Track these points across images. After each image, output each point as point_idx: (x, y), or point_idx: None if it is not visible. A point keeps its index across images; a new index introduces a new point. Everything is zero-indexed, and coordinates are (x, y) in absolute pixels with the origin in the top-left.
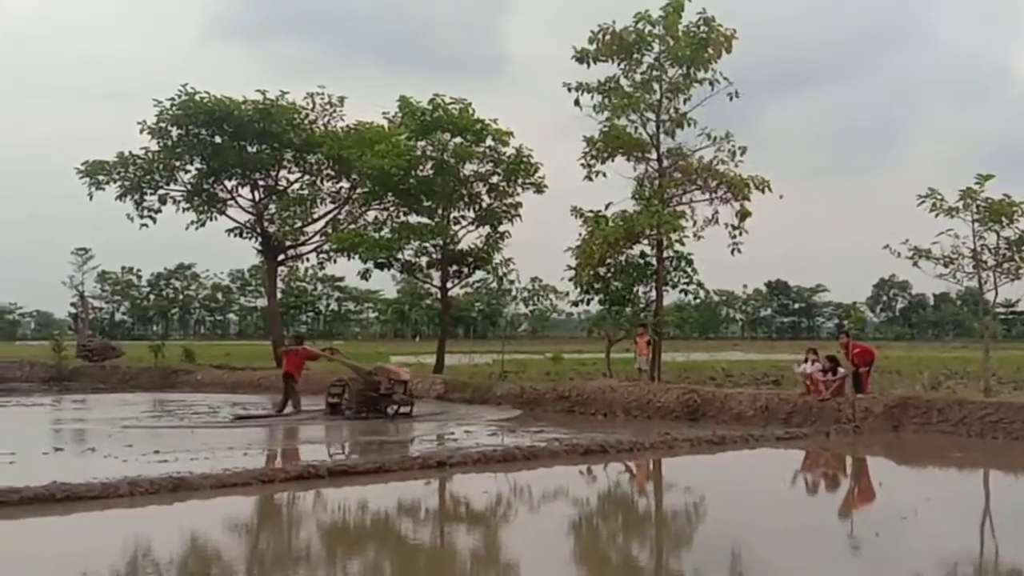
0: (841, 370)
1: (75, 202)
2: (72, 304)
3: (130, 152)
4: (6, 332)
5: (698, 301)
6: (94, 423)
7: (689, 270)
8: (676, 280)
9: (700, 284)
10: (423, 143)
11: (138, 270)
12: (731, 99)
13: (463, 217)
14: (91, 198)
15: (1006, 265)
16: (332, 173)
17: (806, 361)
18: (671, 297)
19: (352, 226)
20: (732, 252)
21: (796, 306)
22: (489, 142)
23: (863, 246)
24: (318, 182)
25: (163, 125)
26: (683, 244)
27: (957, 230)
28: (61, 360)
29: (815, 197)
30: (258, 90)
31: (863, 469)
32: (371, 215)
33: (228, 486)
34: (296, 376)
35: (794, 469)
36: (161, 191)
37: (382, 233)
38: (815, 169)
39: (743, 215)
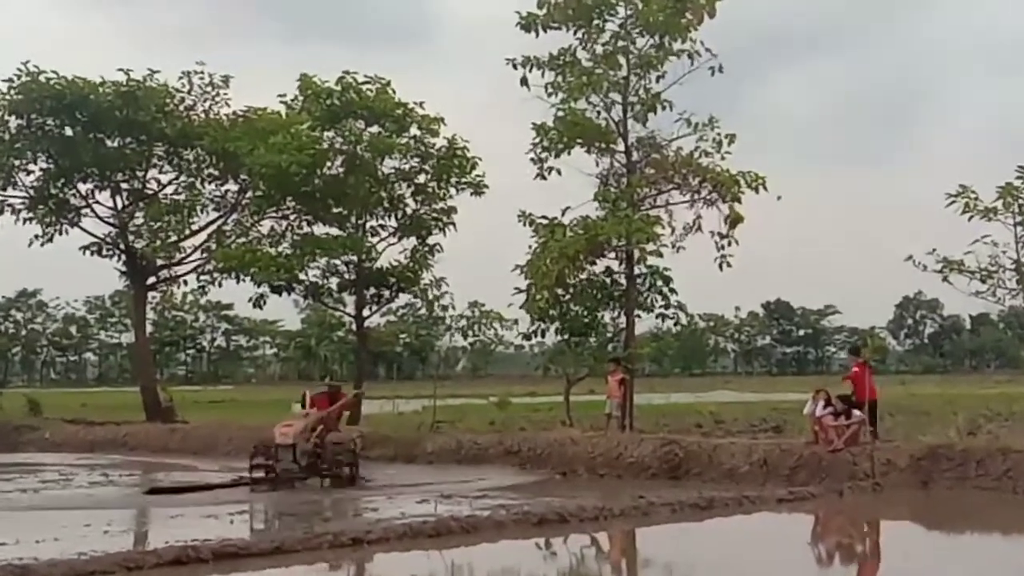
0: (856, 413)
1: None
2: None
3: None
4: None
5: (679, 328)
6: None
7: (667, 290)
8: (651, 303)
9: (681, 307)
10: (331, 134)
11: None
12: (713, 74)
13: (383, 227)
14: None
15: None
16: (215, 173)
17: (814, 403)
18: (645, 324)
19: (242, 240)
20: (720, 266)
21: (801, 333)
22: (414, 132)
23: (882, 256)
24: (198, 184)
25: None
26: (659, 256)
27: (996, 236)
28: None
29: (822, 196)
30: (120, 69)
31: (885, 537)
32: (266, 225)
33: (83, 574)
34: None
35: (801, 539)
36: None
37: (280, 248)
38: (820, 160)
39: (733, 220)
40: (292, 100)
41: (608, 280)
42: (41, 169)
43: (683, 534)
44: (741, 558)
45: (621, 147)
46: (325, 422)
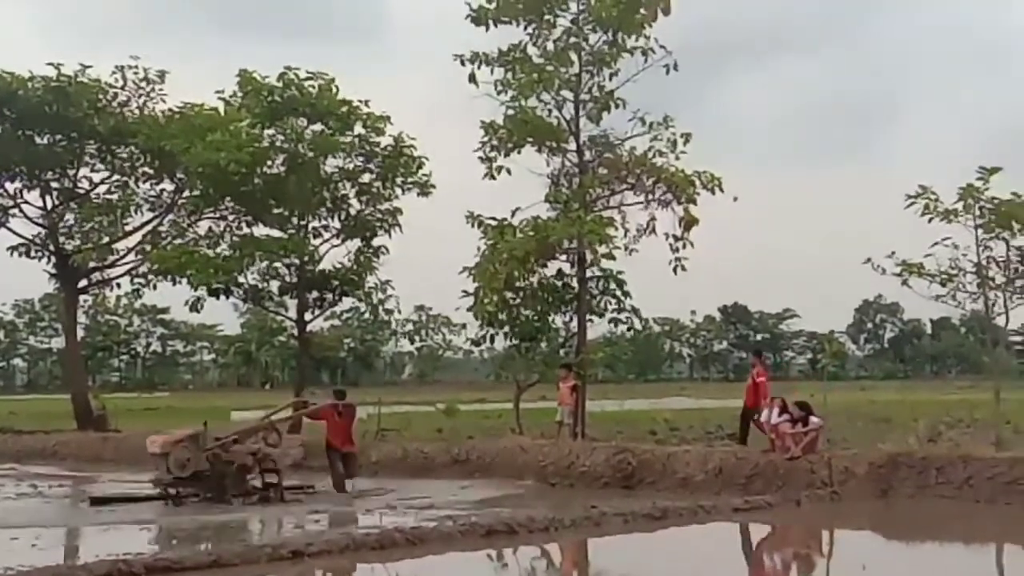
0: (815, 420)
1: None
2: None
3: None
4: None
5: (633, 333)
6: None
7: (620, 293)
8: (604, 306)
9: (635, 311)
10: (271, 131)
11: None
12: (668, 72)
13: (325, 228)
14: None
15: (1019, 283)
16: (150, 171)
17: (771, 410)
18: (598, 328)
19: (178, 241)
20: (675, 269)
21: (758, 337)
22: (359, 130)
23: (841, 259)
24: (132, 183)
25: None
26: (612, 259)
27: (957, 238)
28: None
29: (781, 198)
30: (50, 63)
31: (843, 547)
32: (203, 226)
33: None
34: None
35: (757, 550)
36: None
37: (219, 250)
38: (781, 161)
39: (688, 222)
40: (231, 96)
41: (559, 283)
42: None
43: (636, 545)
44: (696, 569)
45: (573, 146)
46: (269, 430)
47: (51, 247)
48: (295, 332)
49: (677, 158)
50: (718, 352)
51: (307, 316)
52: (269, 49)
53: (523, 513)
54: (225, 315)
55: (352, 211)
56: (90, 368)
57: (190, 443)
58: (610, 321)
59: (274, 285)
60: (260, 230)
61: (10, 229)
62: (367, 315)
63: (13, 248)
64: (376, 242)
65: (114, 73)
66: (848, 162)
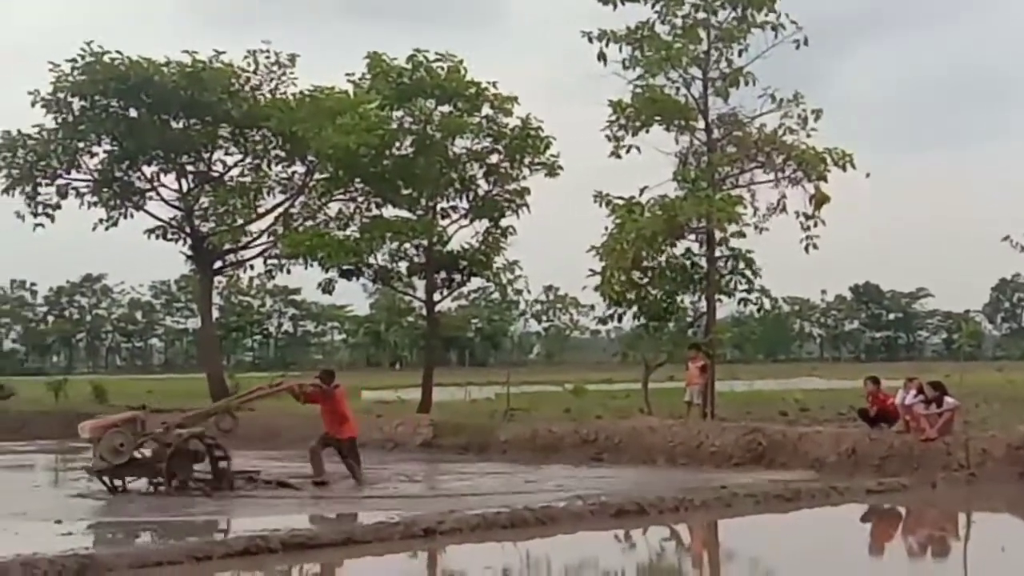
0: (950, 401)
1: None
2: None
3: (19, 131)
4: None
5: (762, 313)
6: None
7: (749, 272)
8: (733, 286)
9: (764, 291)
10: (400, 113)
11: (32, 284)
12: (798, 47)
13: (454, 208)
14: None
15: None
16: (282, 154)
17: (906, 391)
18: (727, 308)
19: (309, 223)
20: (806, 248)
21: (891, 317)
22: (486, 111)
23: (978, 237)
24: (264, 166)
25: (62, 95)
26: (742, 238)
27: None
28: None
29: (913, 174)
30: (186, 50)
31: (979, 530)
32: (334, 208)
33: (151, 565)
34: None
35: (891, 532)
36: (60, 181)
37: (348, 232)
38: (913, 138)
39: (819, 200)
40: (360, 79)
41: (688, 263)
42: (105, 152)
43: (767, 526)
44: (828, 551)
45: (701, 124)
46: (222, 415)
47: (187, 229)
48: (423, 312)
49: (808, 135)
50: (849, 332)
51: (436, 296)
52: (392, 34)
53: (653, 493)
54: (355, 296)
55: (480, 192)
56: (224, 348)
57: (125, 428)
58: (739, 301)
59: (403, 266)
60: (389, 211)
61: (147, 212)
62: (495, 295)
63: (150, 231)
64: (504, 222)
65: (246, 58)
66: (987, 140)
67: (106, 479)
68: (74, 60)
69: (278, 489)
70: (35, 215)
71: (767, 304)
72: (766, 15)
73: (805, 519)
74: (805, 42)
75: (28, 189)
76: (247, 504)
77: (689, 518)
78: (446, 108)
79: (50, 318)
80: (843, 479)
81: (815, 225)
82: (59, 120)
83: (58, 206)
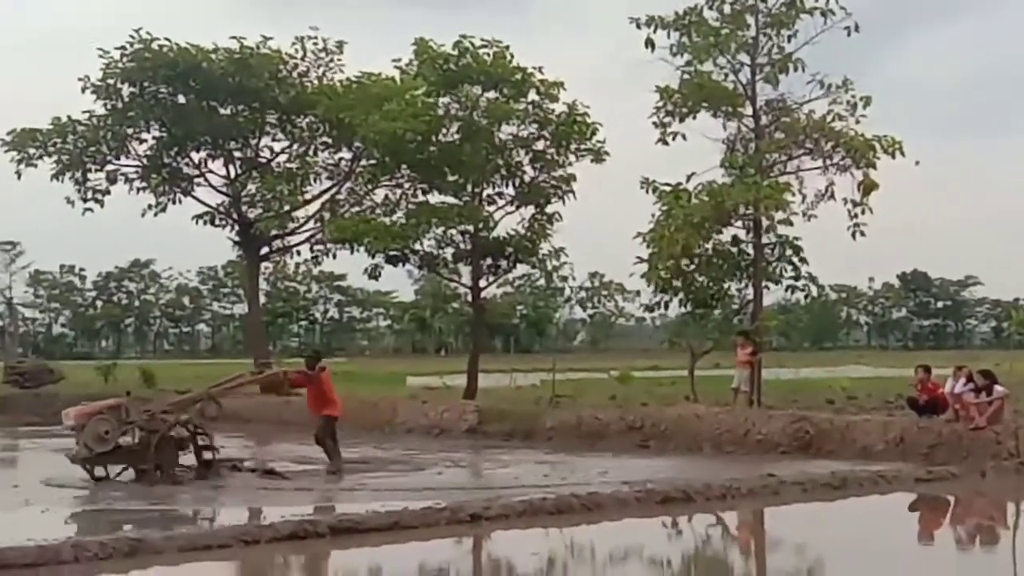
0: (999, 389)
1: None
2: None
3: (69, 117)
4: None
5: (809, 300)
6: (28, 467)
7: (797, 260)
8: (780, 273)
9: (812, 278)
10: (446, 99)
11: (81, 269)
12: (849, 34)
13: (500, 195)
14: (19, 177)
15: None
16: (329, 140)
17: (955, 379)
18: (774, 295)
19: (355, 209)
20: (853, 235)
21: (939, 305)
22: (532, 97)
23: None
24: (311, 152)
25: (111, 82)
26: (789, 225)
27: None
28: None
29: (963, 161)
30: (233, 36)
31: None
32: (380, 194)
33: (200, 548)
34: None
35: (940, 521)
36: (110, 166)
37: (394, 218)
38: (963, 125)
39: (867, 187)
40: (407, 65)
41: (735, 249)
42: (154, 138)
43: (814, 514)
44: (876, 539)
45: (749, 110)
46: (207, 402)
47: (234, 215)
48: (469, 299)
49: (857, 122)
50: (896, 320)
51: (481, 283)
52: (437, 17)
53: (699, 480)
54: (400, 282)
55: (526, 178)
56: (271, 333)
57: (109, 414)
58: (786, 288)
59: (449, 252)
60: (435, 198)
61: (195, 198)
62: (540, 282)
63: (198, 216)
64: (550, 209)
65: (294, 44)
66: None
67: (89, 467)
68: (123, 47)
69: (264, 477)
70: (84, 200)
71: (814, 291)
72: (815, 1)
73: (853, 507)
74: (856, 28)
75: (78, 175)
76: (238, 493)
77: (736, 506)
78: (492, 94)
79: (99, 303)
80: (891, 467)
81: (863, 212)
82: (108, 106)
83: (107, 192)
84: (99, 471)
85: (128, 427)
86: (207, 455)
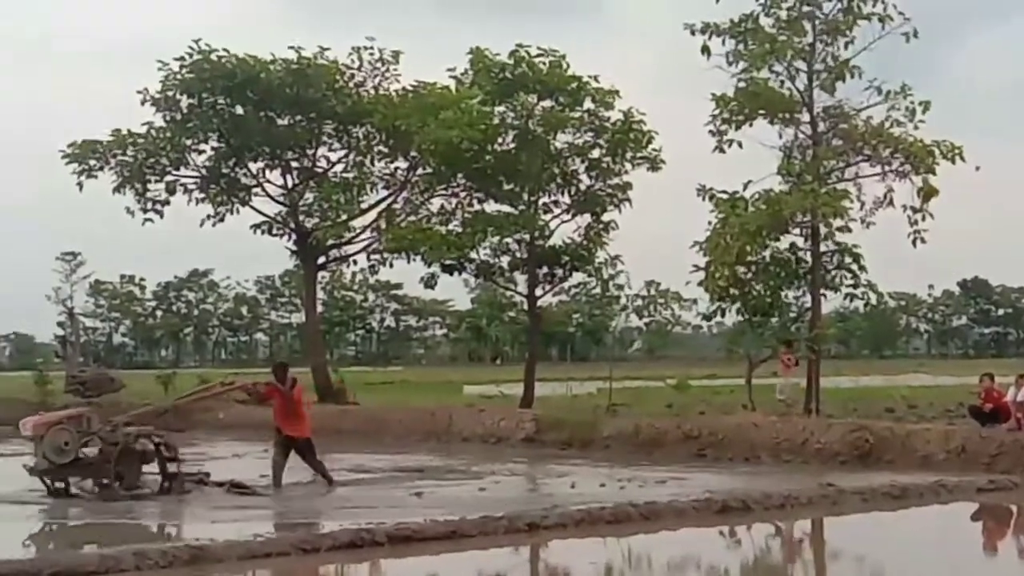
0: None
1: (61, 194)
2: (59, 324)
3: (129, 130)
4: None
5: (868, 308)
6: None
7: (855, 267)
8: (838, 281)
9: (870, 285)
10: (502, 108)
11: (141, 279)
12: (908, 40)
13: (555, 203)
14: (81, 188)
15: None
16: (385, 150)
17: (1017, 388)
18: (832, 303)
19: (412, 218)
20: (913, 242)
21: (1000, 312)
22: (588, 105)
23: None
24: (367, 162)
25: (170, 93)
26: (849, 231)
27: None
28: (45, 396)
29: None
30: (291, 46)
31: None
32: (436, 203)
33: (260, 556)
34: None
35: (1003, 532)
36: (169, 177)
37: (450, 227)
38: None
39: (927, 193)
40: (462, 74)
41: (792, 257)
42: (212, 148)
43: (875, 525)
44: (938, 550)
45: (806, 117)
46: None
47: (291, 225)
48: (525, 307)
49: (916, 127)
50: (957, 328)
51: (537, 291)
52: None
53: (758, 490)
54: (456, 291)
55: (582, 186)
56: (328, 342)
57: (69, 425)
58: (845, 296)
59: (505, 261)
60: (491, 206)
61: (253, 207)
62: (596, 290)
63: (256, 226)
64: (606, 217)
65: (350, 55)
66: None
67: (48, 480)
68: (182, 59)
69: (230, 492)
70: (144, 211)
71: (873, 299)
72: (873, 6)
73: (913, 518)
74: (915, 34)
75: (138, 186)
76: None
77: (795, 515)
78: (548, 103)
79: (158, 313)
80: (953, 477)
81: (923, 219)
82: (168, 118)
83: (167, 202)
84: (59, 484)
85: (89, 438)
86: (172, 468)
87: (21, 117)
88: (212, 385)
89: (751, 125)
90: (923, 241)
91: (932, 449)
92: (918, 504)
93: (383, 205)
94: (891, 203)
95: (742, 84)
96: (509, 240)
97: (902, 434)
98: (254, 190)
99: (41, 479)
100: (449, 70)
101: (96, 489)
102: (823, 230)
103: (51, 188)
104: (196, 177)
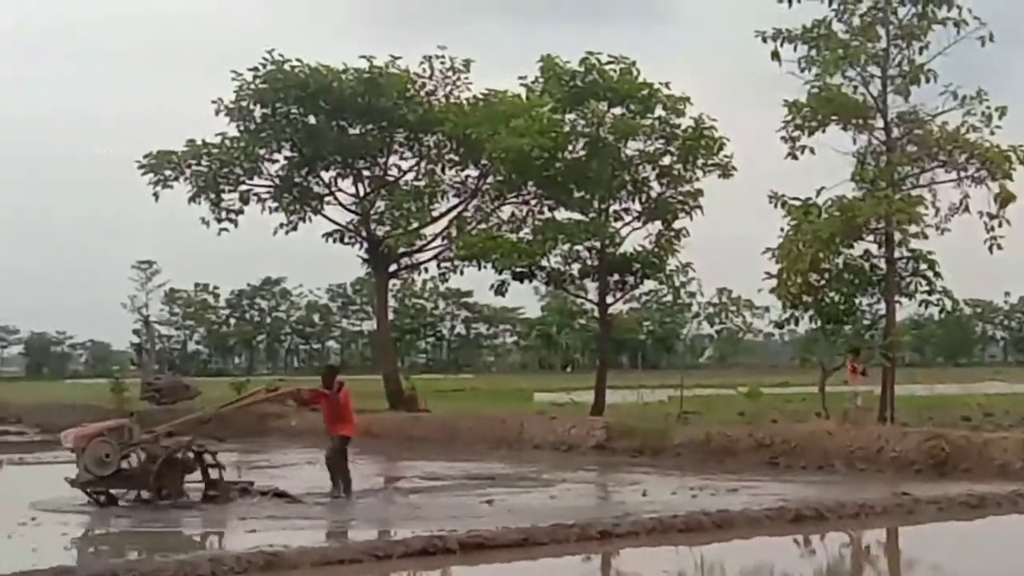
0: None
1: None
2: (135, 332)
3: (203, 140)
4: (54, 368)
5: (944, 315)
6: None
7: (930, 274)
8: (913, 288)
9: (946, 292)
10: (573, 116)
11: (215, 287)
12: (983, 45)
13: (626, 211)
14: (156, 198)
15: None
16: (456, 158)
17: None
18: (907, 310)
19: (482, 226)
20: (990, 249)
21: None
22: (659, 112)
23: None
24: (438, 170)
25: (244, 104)
26: (924, 237)
27: None
28: (122, 403)
29: None
30: (363, 56)
31: None
32: (506, 211)
33: (334, 563)
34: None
35: None
36: (243, 187)
37: (521, 234)
38: None
39: (1004, 199)
40: (532, 82)
41: (866, 264)
42: (285, 158)
43: (952, 534)
44: (1016, 561)
45: (880, 123)
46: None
47: (363, 233)
48: (596, 315)
49: (992, 133)
50: None
51: (608, 299)
52: (566, 35)
53: (832, 498)
54: (527, 298)
55: (653, 194)
56: (399, 350)
57: (110, 437)
58: (920, 303)
59: (575, 268)
60: (562, 214)
61: (325, 216)
62: (667, 298)
63: (328, 234)
64: (677, 224)
65: (422, 63)
66: None
67: (91, 491)
68: (256, 69)
69: (274, 500)
70: (218, 220)
71: (949, 306)
72: (947, 11)
73: (991, 527)
74: (991, 38)
75: (212, 195)
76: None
77: (869, 525)
78: (618, 110)
79: (232, 320)
80: None
81: (999, 225)
82: (241, 128)
83: (240, 211)
84: (101, 496)
85: (131, 449)
86: (214, 476)
87: (102, 127)
88: (256, 392)
89: (824, 131)
90: (999, 247)
91: (1009, 458)
92: (996, 513)
93: (454, 213)
94: (967, 209)
95: (815, 90)
96: (580, 247)
97: (979, 443)
98: (326, 199)
99: (84, 491)
100: (520, 78)
101: (140, 500)
102: (897, 237)
103: (127, 198)
104: (269, 186)
